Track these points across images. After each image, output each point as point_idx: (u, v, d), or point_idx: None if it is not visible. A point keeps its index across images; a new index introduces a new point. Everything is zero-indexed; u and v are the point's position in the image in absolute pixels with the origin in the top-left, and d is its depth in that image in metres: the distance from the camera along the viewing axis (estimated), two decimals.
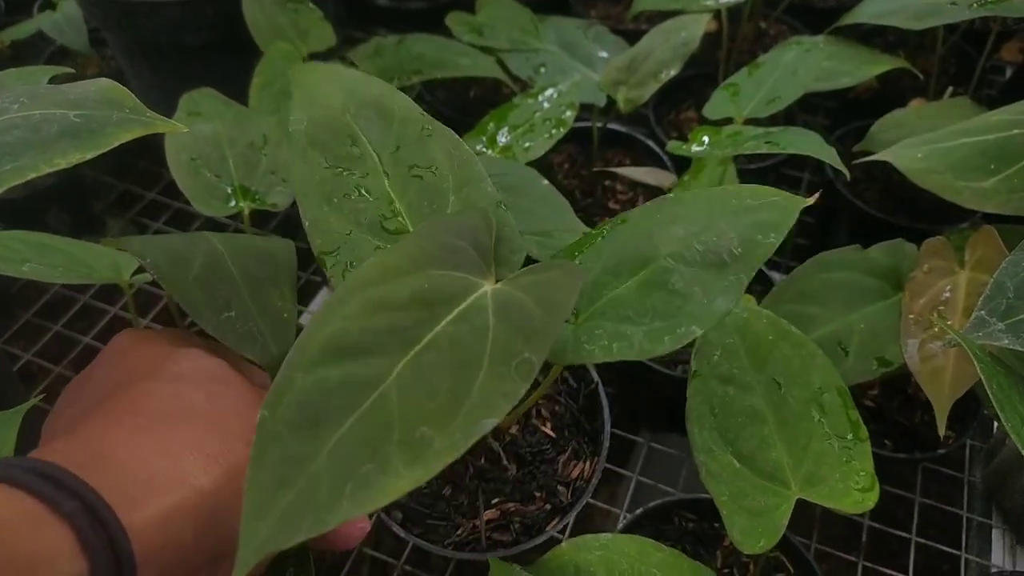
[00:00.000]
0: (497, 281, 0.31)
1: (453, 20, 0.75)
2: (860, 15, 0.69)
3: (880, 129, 0.67)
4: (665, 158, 0.78)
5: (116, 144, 0.31)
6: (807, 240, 0.91)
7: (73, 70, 0.56)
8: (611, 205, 0.76)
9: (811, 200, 0.35)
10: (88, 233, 0.92)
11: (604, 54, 0.71)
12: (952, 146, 0.55)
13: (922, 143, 0.56)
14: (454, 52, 0.66)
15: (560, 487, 0.44)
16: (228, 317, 0.34)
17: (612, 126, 0.80)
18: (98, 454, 0.30)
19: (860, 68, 0.68)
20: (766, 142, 0.50)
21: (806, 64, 0.60)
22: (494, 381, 0.26)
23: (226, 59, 0.75)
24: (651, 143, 0.80)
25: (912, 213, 0.75)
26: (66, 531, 0.27)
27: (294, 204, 0.52)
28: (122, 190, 0.96)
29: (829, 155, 0.48)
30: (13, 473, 0.28)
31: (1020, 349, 0.38)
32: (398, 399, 0.26)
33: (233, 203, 0.50)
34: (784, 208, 0.34)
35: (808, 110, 0.99)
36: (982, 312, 0.40)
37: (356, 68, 0.66)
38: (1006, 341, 0.38)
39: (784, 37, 0.94)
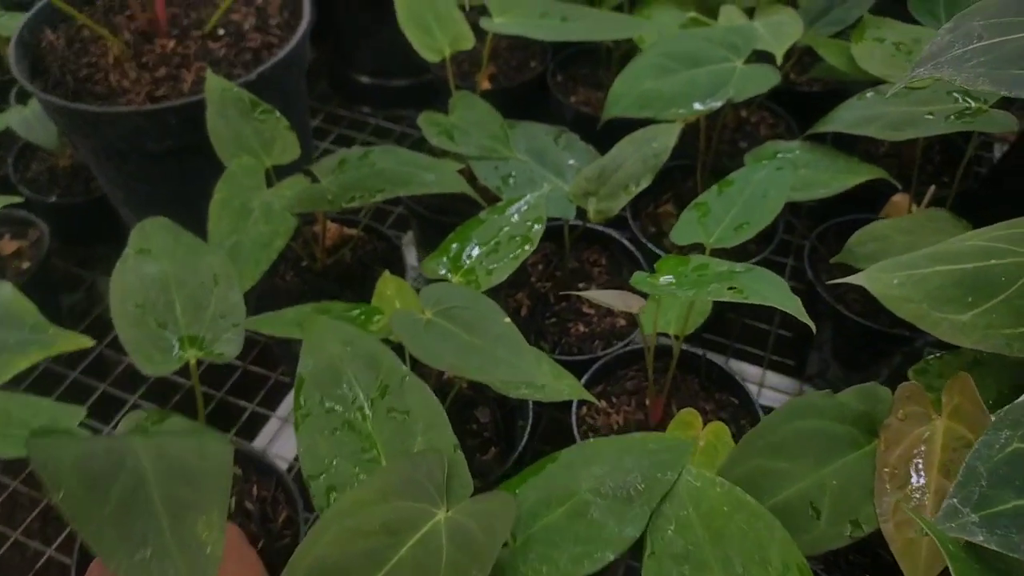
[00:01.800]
0: (448, 509, 0.38)
1: (425, 120, 0.73)
2: (835, 123, 0.68)
3: (857, 242, 0.65)
4: (640, 257, 0.76)
5: (9, 377, 0.29)
6: (791, 332, 0.89)
7: (22, 199, 0.55)
8: (585, 310, 0.74)
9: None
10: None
11: (573, 162, 0.69)
12: (928, 273, 0.53)
13: (897, 267, 0.54)
14: (419, 167, 0.65)
15: None
16: (142, 558, 0.32)
17: (589, 224, 0.79)
18: None
19: (836, 178, 0.67)
20: (729, 288, 0.48)
21: (777, 185, 0.59)
22: None
23: (190, 162, 0.74)
24: (627, 242, 0.78)
25: (895, 317, 0.73)
26: None
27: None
28: (91, 281, 0.95)
29: (793, 306, 0.46)
30: None
31: (995, 548, 0.35)
32: None
33: (177, 352, 0.48)
34: (679, 451, 0.44)
35: None
36: (954, 500, 0.37)
37: (319, 183, 0.65)
38: (980, 537, 0.36)
39: (766, 124, 0.92)
